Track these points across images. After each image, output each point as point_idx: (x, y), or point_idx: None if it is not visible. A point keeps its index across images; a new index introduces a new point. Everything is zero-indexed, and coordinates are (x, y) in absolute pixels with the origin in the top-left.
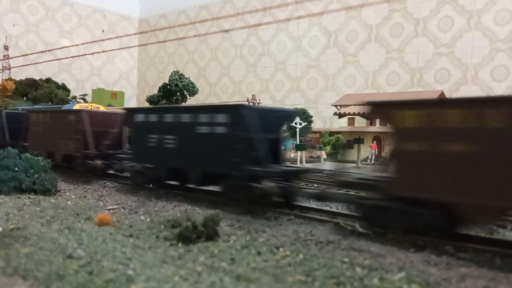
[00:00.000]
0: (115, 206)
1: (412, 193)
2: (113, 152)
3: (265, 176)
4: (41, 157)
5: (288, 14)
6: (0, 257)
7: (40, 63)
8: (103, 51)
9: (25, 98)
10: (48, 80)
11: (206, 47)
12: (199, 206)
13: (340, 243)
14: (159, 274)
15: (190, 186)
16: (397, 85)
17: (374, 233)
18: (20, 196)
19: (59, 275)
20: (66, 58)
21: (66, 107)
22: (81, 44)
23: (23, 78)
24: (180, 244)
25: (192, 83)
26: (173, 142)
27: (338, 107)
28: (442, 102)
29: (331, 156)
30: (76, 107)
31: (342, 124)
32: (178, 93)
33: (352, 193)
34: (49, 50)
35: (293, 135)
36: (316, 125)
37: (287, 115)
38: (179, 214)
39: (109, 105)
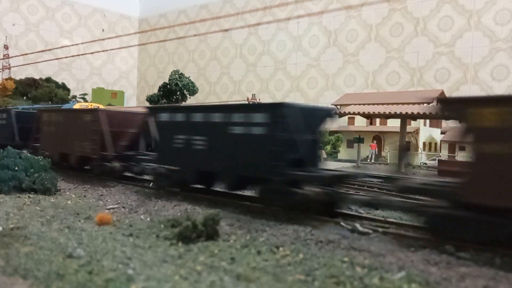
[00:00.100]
0: (115, 206)
1: (495, 200)
2: (132, 154)
3: (310, 181)
4: (41, 157)
5: (288, 14)
6: (0, 256)
7: (40, 62)
8: (103, 51)
9: (25, 98)
10: (48, 80)
11: (206, 46)
12: (199, 206)
13: (340, 242)
14: (159, 274)
15: (217, 190)
16: (397, 85)
17: (374, 233)
18: (20, 195)
19: (59, 275)
20: (66, 57)
21: (66, 106)
22: (81, 43)
23: (23, 77)
24: (180, 244)
25: (192, 83)
26: (203, 143)
27: (338, 107)
28: None
29: (331, 156)
30: (76, 106)
31: (342, 123)
32: (178, 93)
33: (411, 200)
34: (49, 50)
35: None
36: None
37: (326, 113)
38: (179, 214)
39: (109, 105)
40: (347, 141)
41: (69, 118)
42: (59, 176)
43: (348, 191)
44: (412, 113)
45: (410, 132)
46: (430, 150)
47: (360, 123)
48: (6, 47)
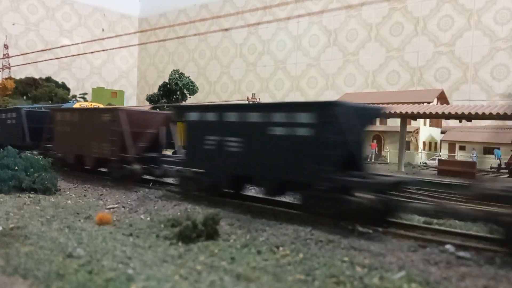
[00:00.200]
0: (115, 205)
1: None
2: (155, 156)
3: (367, 187)
4: (41, 157)
5: (288, 13)
6: (0, 256)
7: (40, 62)
8: (103, 50)
9: (25, 97)
10: (48, 79)
11: (206, 46)
12: (199, 205)
13: (340, 242)
14: (159, 273)
15: (247, 194)
16: (397, 84)
17: (374, 232)
18: (20, 195)
19: (59, 274)
20: (66, 57)
21: (66, 106)
22: (81, 43)
23: (23, 77)
24: (180, 243)
25: (192, 82)
26: (238, 145)
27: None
28: None
29: None
30: (76, 106)
31: None
32: (178, 92)
33: (484, 208)
34: (49, 49)
35: None
36: None
37: (375, 113)
38: (179, 213)
39: (109, 104)
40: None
41: (86, 118)
42: (59, 176)
43: (404, 198)
44: (412, 112)
45: (410, 132)
46: (430, 149)
47: None
48: (6, 46)
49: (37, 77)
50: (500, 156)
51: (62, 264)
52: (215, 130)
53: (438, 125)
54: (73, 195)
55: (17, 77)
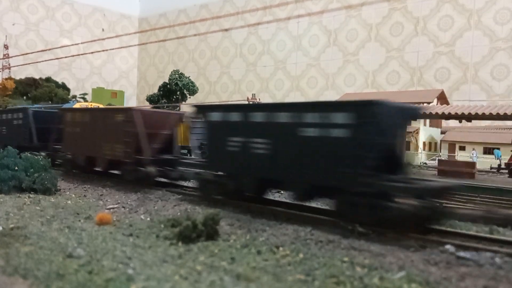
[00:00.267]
0: (115, 205)
1: None
2: (173, 157)
3: (410, 193)
4: (41, 157)
5: (288, 13)
6: (0, 256)
7: (40, 62)
8: (103, 50)
9: (25, 97)
10: (48, 79)
11: (206, 46)
12: (199, 205)
13: (340, 242)
14: (159, 273)
15: (270, 199)
16: (397, 84)
17: (374, 233)
18: (20, 195)
19: (59, 274)
20: (66, 57)
21: (66, 106)
22: (81, 43)
23: (23, 77)
24: (180, 243)
25: (192, 82)
26: (265, 146)
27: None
28: None
29: None
30: (76, 106)
31: None
32: (178, 92)
33: None
34: (49, 49)
35: None
36: None
37: (414, 113)
38: (179, 213)
39: (109, 104)
40: None
41: (98, 118)
42: (59, 176)
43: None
44: None
45: (410, 132)
46: (430, 149)
47: None
48: (6, 46)
49: (37, 77)
50: (500, 156)
51: (62, 264)
52: (240, 131)
53: (438, 125)
54: (73, 195)
55: (17, 77)
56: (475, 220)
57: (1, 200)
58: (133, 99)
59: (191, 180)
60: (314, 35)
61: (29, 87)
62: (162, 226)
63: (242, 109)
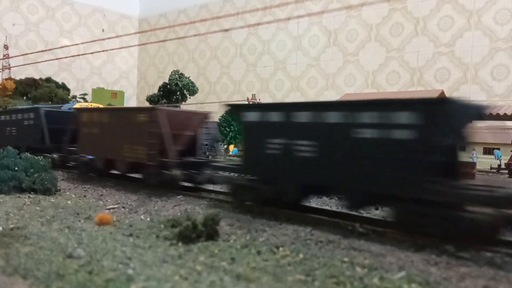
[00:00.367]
0: (115, 206)
1: None
2: (202, 160)
3: (488, 202)
4: (41, 157)
5: (288, 14)
6: (0, 256)
7: (40, 62)
8: (103, 51)
9: (25, 98)
10: (48, 80)
11: (206, 46)
12: (199, 206)
13: (340, 242)
14: (159, 274)
15: (310, 206)
16: (397, 84)
17: (374, 233)
18: (20, 195)
19: (59, 275)
20: (66, 57)
21: (65, 106)
22: (81, 43)
23: (23, 77)
24: (180, 244)
25: (192, 83)
26: (311, 149)
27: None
28: None
29: None
30: (76, 106)
31: None
32: (178, 93)
33: None
34: (49, 50)
35: None
36: None
37: (479, 112)
38: (179, 214)
39: (109, 104)
40: None
41: (118, 119)
42: (59, 176)
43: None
44: None
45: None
46: None
47: None
48: (6, 47)
49: (37, 77)
50: (500, 157)
51: (62, 264)
52: (281, 132)
53: None
54: (73, 196)
55: (17, 78)
56: None
57: (1, 200)
58: (133, 100)
59: (220, 185)
60: (314, 35)
61: (29, 88)
62: (162, 226)
63: (284, 108)
